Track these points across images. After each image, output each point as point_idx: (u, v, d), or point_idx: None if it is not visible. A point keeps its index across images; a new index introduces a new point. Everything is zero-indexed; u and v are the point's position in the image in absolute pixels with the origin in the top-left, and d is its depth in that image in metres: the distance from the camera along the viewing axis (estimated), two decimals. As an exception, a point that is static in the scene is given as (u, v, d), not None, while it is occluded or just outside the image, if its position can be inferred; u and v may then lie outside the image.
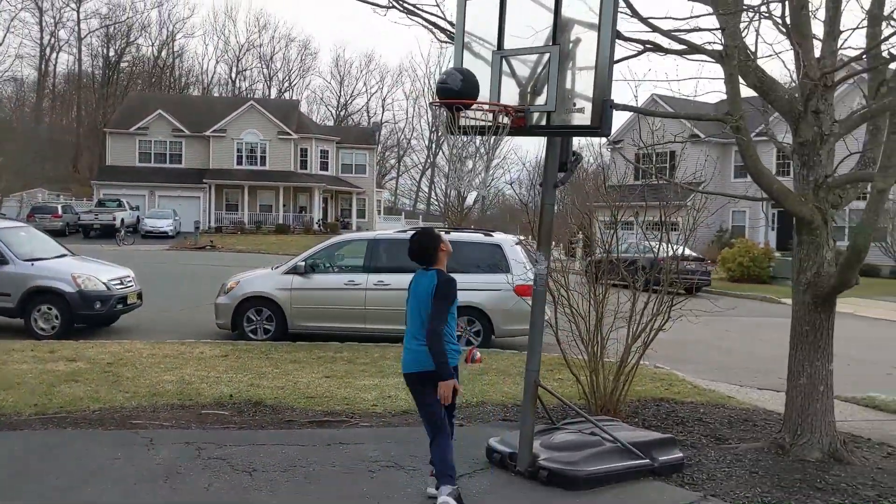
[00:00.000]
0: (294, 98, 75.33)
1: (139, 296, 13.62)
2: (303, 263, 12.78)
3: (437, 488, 4.91)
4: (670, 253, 7.83)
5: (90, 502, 4.91)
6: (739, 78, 6.18)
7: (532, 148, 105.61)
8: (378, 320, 12.39)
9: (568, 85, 5.16)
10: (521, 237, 14.02)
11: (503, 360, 10.76)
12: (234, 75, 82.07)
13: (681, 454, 6.10)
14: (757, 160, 6.05)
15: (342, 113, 78.92)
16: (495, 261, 12.72)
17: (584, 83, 5.06)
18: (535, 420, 5.78)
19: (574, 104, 5.10)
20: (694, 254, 20.57)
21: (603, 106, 4.91)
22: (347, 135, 60.04)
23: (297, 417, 7.13)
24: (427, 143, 74.95)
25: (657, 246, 7.97)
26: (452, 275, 5.07)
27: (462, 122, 5.41)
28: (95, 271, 13.00)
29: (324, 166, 55.46)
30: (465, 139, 5.28)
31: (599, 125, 4.92)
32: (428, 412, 5.01)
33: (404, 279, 12.31)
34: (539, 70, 5.36)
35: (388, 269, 12.57)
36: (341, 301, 12.50)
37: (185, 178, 52.01)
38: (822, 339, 6.33)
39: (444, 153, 75.12)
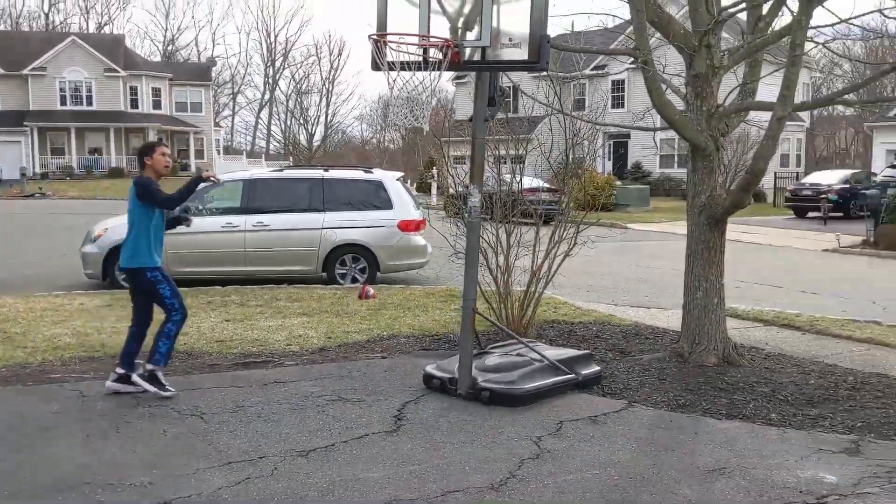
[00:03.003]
0: (118, 33, 70.17)
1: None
2: (176, 207, 12.30)
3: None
4: (527, 185, 8.34)
5: (57, 459, 4.71)
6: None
7: (373, 85, 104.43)
8: (260, 262, 12.22)
9: (503, 20, 5.29)
10: (402, 173, 14.16)
11: (397, 295, 10.96)
12: (46, 8, 75.15)
13: (598, 368, 6.61)
14: (661, 93, 6.48)
15: (170, 48, 74.46)
16: (377, 197, 12.77)
17: (519, 18, 5.21)
18: (473, 346, 6.04)
19: (510, 39, 5.25)
20: (547, 185, 21.51)
21: (541, 41, 5.09)
22: (180, 71, 56.94)
23: (218, 361, 7.04)
24: (264, 78, 72.35)
25: (512, 179, 8.38)
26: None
27: (394, 58, 5.43)
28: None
29: (157, 105, 52.46)
30: (406, 76, 5.30)
31: (538, 59, 5.11)
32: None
33: (285, 219, 12.35)
34: (469, 5, 5.46)
35: (268, 210, 12.35)
36: (220, 244, 12.18)
37: (3, 121, 47.59)
38: (715, 256, 6.97)
39: (280, 89, 72.91)
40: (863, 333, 8.84)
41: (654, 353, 7.39)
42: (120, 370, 5.98)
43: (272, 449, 4.82)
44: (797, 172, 37.38)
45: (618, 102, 39.16)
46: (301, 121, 70.37)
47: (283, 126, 72.13)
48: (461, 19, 5.52)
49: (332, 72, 71.13)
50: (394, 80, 5.38)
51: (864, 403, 6.10)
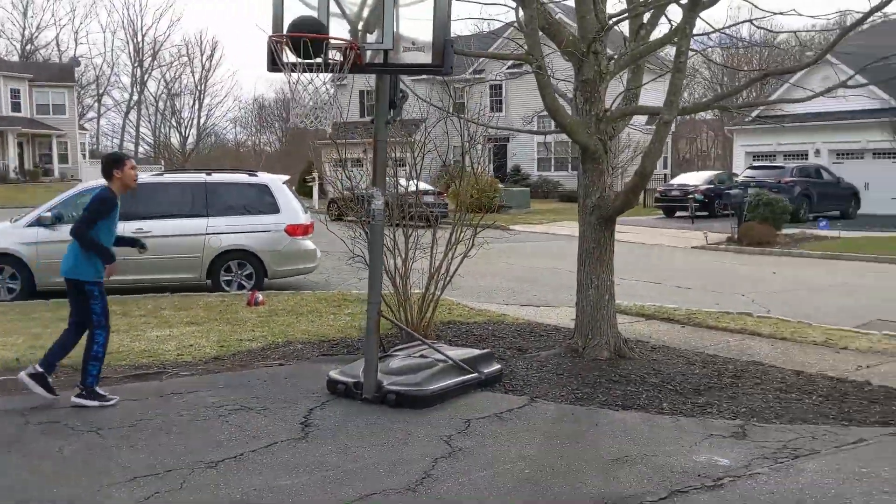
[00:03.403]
0: (-34, 29, 65.46)
1: None
2: (48, 214, 11.64)
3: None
4: (411, 188, 8.47)
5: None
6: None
7: (249, 87, 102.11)
8: (140, 270, 11.70)
9: (405, 24, 5.33)
10: (288, 177, 13.94)
11: (287, 301, 10.79)
12: None
13: (499, 366, 6.75)
14: (554, 98, 6.69)
15: (29, 47, 70.11)
16: (263, 201, 12.52)
17: (422, 23, 5.26)
18: (378, 349, 6.03)
19: (413, 43, 5.29)
20: (430, 187, 21.69)
21: (445, 45, 5.16)
22: (41, 71, 53.72)
23: (108, 374, 6.70)
24: (131, 78, 69.30)
25: (396, 182, 8.48)
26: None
27: (293, 59, 5.36)
28: None
29: (16, 107, 49.28)
30: (307, 76, 5.24)
31: (441, 64, 5.18)
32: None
33: (166, 225, 11.93)
34: (368, 8, 5.46)
35: (148, 216, 11.88)
36: None
37: None
38: (606, 255, 7.26)
39: (149, 90, 70.04)
40: (736, 325, 9.41)
41: (550, 350, 7.61)
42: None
43: (178, 462, 4.66)
44: (665, 174, 39.26)
45: (497, 107, 39.96)
46: (173, 123, 67.92)
47: (153, 129, 69.37)
48: (361, 22, 5.52)
49: (205, 73, 68.92)
50: (295, 82, 5.31)
51: (745, 390, 6.51)
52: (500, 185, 31.34)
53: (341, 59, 5.37)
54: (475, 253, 8.04)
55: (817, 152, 31.03)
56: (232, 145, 71.45)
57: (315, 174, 33.85)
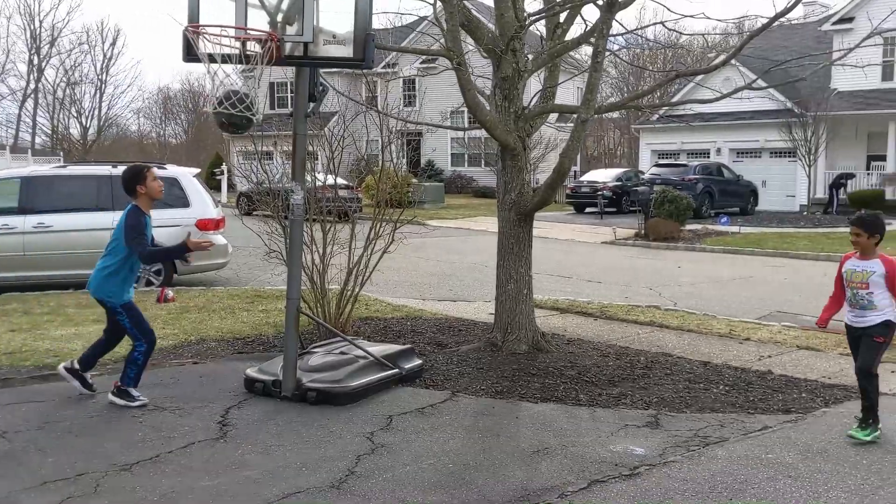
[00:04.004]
0: None
1: None
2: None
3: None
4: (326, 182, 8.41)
5: None
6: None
7: (153, 77, 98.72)
8: (42, 266, 11.24)
9: (325, 16, 5.26)
10: (198, 170, 13.58)
11: (199, 297, 10.53)
12: None
13: (420, 361, 6.76)
14: (475, 94, 6.74)
15: None
16: (172, 195, 12.12)
17: (343, 16, 5.21)
18: (297, 346, 5.95)
19: (334, 36, 5.24)
20: (344, 182, 21.55)
21: (366, 39, 5.12)
22: (-75, 55, 50.64)
23: (11, 375, 6.41)
24: (28, 66, 65.97)
25: (314, 177, 8.42)
26: (122, 212, 5.67)
27: (213, 50, 5.24)
28: None
29: None
30: (228, 68, 5.12)
31: (363, 58, 5.14)
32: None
33: (69, 220, 11.45)
34: (287, 0, 5.37)
35: (50, 210, 11.39)
36: None
37: None
38: (524, 251, 7.37)
39: (47, 78, 66.90)
40: (645, 317, 9.72)
41: (469, 344, 7.67)
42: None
43: (91, 465, 4.48)
44: (575, 171, 40.06)
45: (410, 101, 39.95)
46: (73, 113, 64.99)
47: (52, 118, 66.24)
48: (280, 14, 5.42)
49: (107, 61, 66.20)
50: (214, 73, 5.18)
51: (656, 381, 6.73)
52: (414, 180, 31.38)
53: (260, 50, 5.27)
54: (393, 249, 8.02)
55: (719, 151, 32.30)
56: (136, 136, 69.03)
57: (224, 167, 33.09)
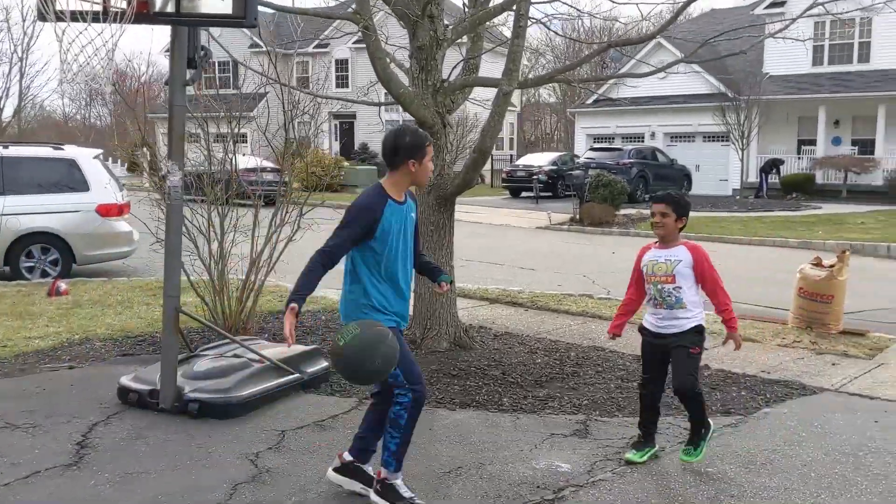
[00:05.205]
0: None
1: None
2: None
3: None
4: (245, 165, 7.69)
5: None
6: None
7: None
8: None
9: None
10: (100, 151, 12.54)
11: (96, 290, 9.60)
12: None
13: (326, 364, 6.03)
14: (386, 64, 6.02)
15: None
16: (71, 178, 11.15)
17: (221, -35, 4.42)
18: (178, 350, 5.17)
19: (211, -12, 4.45)
20: (271, 164, 20.60)
21: (247, -8, 4.35)
22: None
23: None
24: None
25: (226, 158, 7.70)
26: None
27: (66, 6, 4.40)
28: None
29: None
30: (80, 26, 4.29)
31: (244, 14, 4.37)
32: None
33: (11, 202, 10.32)
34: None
35: None
36: None
37: None
38: (445, 238, 6.70)
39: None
40: (578, 307, 9.18)
41: (384, 342, 6.97)
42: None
43: None
44: (511, 155, 39.66)
45: (342, 82, 38.87)
46: (-17, 93, 61.74)
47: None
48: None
49: (25, 38, 63.02)
50: (63, 32, 4.35)
51: (587, 380, 6.16)
52: (346, 163, 30.48)
53: (125, 5, 4.46)
54: (300, 237, 7.24)
55: (653, 135, 32.19)
56: (59, 118, 66.08)
57: (146, 149, 31.58)
